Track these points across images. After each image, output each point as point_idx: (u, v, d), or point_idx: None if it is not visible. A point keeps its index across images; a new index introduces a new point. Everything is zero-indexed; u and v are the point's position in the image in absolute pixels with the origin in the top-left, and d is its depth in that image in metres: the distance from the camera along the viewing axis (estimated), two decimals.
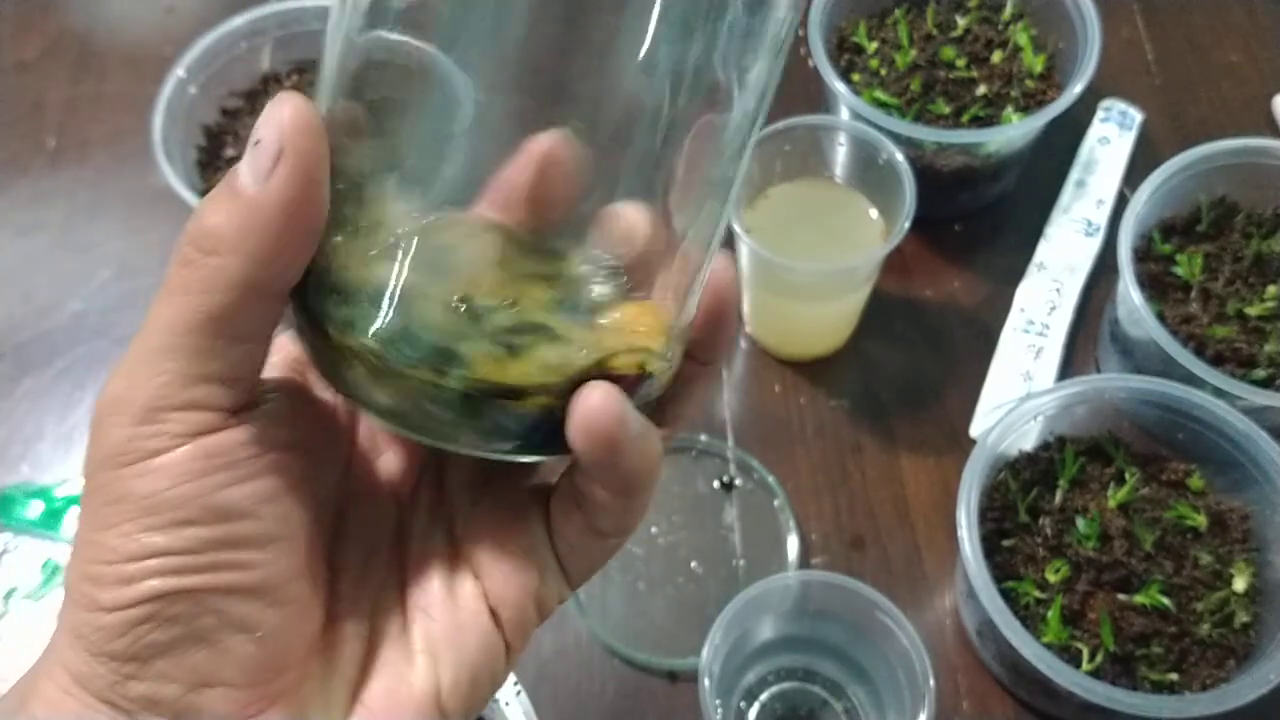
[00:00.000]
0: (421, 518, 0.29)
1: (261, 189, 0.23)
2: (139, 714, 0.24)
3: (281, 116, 0.24)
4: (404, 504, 0.29)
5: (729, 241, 0.57)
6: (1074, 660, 0.52)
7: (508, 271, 0.24)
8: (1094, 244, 0.69)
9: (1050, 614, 0.53)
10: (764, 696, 0.56)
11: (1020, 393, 0.64)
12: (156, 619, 0.23)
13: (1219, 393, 0.55)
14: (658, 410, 0.27)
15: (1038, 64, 0.69)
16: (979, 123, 0.67)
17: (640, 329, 0.25)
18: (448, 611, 0.26)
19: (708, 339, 0.27)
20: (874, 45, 0.71)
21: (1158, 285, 0.62)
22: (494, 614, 0.26)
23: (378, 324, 0.24)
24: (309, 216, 0.23)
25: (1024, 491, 0.56)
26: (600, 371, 0.24)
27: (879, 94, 0.68)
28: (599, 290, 0.24)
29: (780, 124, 0.62)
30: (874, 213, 0.63)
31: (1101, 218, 0.70)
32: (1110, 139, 0.73)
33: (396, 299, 0.23)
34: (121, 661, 0.23)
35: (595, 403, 0.23)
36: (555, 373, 0.24)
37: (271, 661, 0.25)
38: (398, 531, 0.29)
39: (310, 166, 0.23)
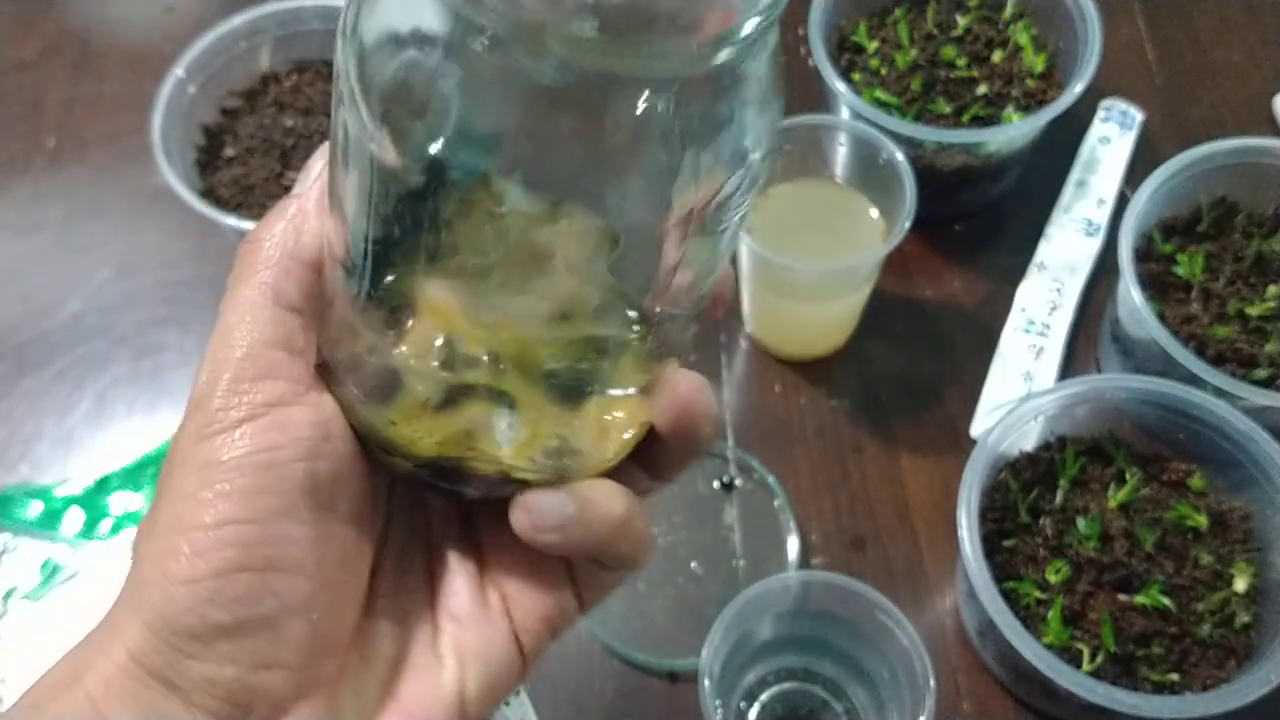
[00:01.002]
0: (452, 536, 0.30)
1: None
2: (194, 694, 0.24)
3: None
4: (434, 521, 0.30)
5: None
6: (1074, 661, 0.51)
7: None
8: (1095, 244, 0.69)
9: (1051, 614, 0.52)
10: (764, 697, 0.56)
11: (1021, 393, 0.64)
12: (223, 597, 0.24)
13: (1220, 393, 0.55)
14: (641, 465, 0.29)
15: (1038, 63, 0.69)
16: (979, 122, 0.67)
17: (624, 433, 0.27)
18: (478, 623, 0.28)
19: (671, 457, 0.29)
20: (874, 45, 0.70)
21: (1158, 285, 0.62)
22: (514, 631, 0.28)
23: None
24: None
25: (1024, 492, 0.56)
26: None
27: (879, 93, 0.68)
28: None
29: (780, 124, 0.61)
30: (874, 212, 0.63)
31: (1102, 217, 0.70)
32: (1111, 138, 0.73)
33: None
34: (186, 639, 0.24)
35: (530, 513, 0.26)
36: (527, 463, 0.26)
37: (320, 647, 0.26)
38: (428, 546, 0.30)
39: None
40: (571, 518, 0.26)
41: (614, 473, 0.28)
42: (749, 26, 0.20)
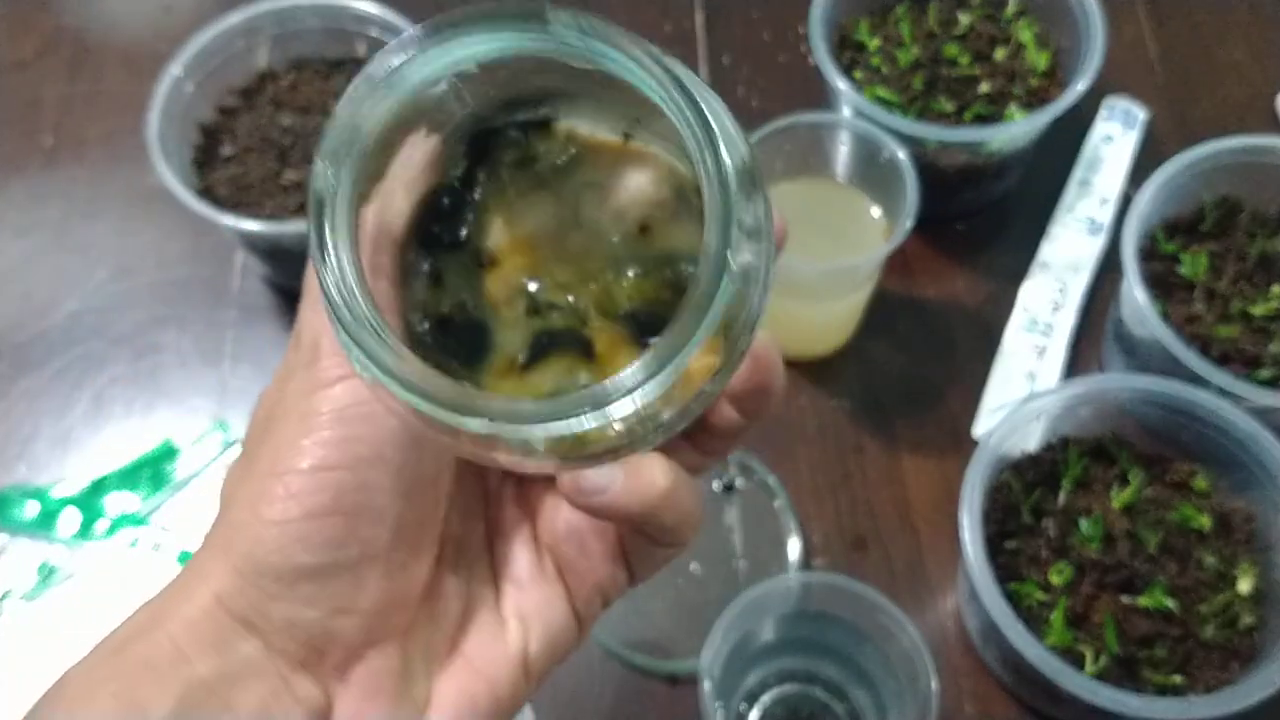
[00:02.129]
0: (509, 500, 0.31)
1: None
2: (275, 636, 0.26)
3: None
4: (492, 492, 0.31)
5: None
6: (1077, 663, 0.51)
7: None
8: (1098, 243, 0.69)
9: (1054, 616, 0.52)
10: (765, 699, 0.55)
11: (1023, 393, 0.64)
12: (312, 540, 0.25)
13: (1224, 393, 0.55)
14: (693, 445, 0.29)
15: (1041, 61, 0.68)
16: (982, 120, 0.67)
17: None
18: (537, 587, 0.30)
19: (751, 401, 0.29)
20: (876, 42, 0.70)
21: (1162, 284, 0.62)
22: (570, 597, 0.30)
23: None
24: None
25: (1027, 492, 0.56)
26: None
27: (881, 91, 0.67)
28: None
29: (781, 122, 0.61)
30: (876, 211, 0.63)
31: (1105, 216, 0.70)
32: (1114, 137, 0.73)
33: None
34: (271, 580, 0.25)
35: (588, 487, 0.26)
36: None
37: (395, 597, 0.27)
38: (486, 509, 0.31)
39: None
40: (617, 483, 0.26)
41: (664, 448, 0.28)
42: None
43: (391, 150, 0.24)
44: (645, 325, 0.26)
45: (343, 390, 0.26)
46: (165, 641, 0.25)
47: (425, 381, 0.21)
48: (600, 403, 0.20)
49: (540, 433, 0.21)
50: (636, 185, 0.25)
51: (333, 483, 0.26)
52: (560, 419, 0.20)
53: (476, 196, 0.26)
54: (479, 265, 0.26)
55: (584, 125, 0.25)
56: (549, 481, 0.30)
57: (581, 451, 0.24)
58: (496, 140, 0.25)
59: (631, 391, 0.20)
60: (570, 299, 0.26)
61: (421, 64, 0.22)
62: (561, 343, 0.26)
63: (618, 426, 0.22)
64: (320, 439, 0.26)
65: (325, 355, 0.27)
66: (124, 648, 0.26)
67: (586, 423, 0.20)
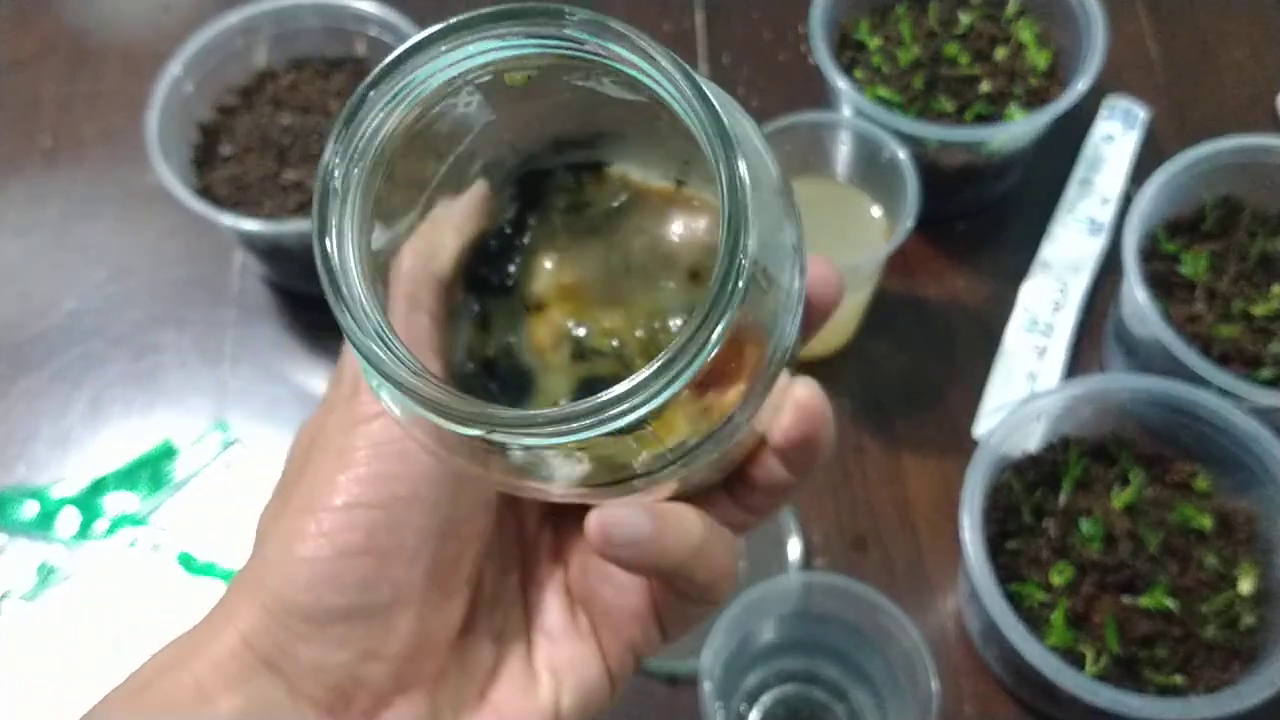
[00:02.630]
0: (544, 559, 0.30)
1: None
2: (301, 680, 0.25)
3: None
4: (528, 543, 0.31)
5: None
6: (1078, 663, 0.51)
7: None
8: (1098, 243, 0.69)
9: (1054, 616, 0.52)
10: (765, 700, 0.55)
11: (1024, 393, 0.64)
12: (343, 579, 0.25)
13: (1224, 393, 0.55)
14: (740, 494, 0.28)
15: (1042, 61, 0.68)
16: (982, 120, 0.66)
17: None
18: (570, 641, 0.29)
19: (797, 454, 0.27)
20: (876, 42, 0.70)
21: (1163, 284, 0.62)
22: (602, 653, 0.29)
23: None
24: None
25: (1028, 493, 0.56)
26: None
27: (881, 91, 0.67)
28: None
29: (781, 121, 0.61)
30: (877, 211, 0.63)
31: (1106, 216, 0.70)
32: (1115, 137, 0.73)
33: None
34: (300, 619, 0.25)
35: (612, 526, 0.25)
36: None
37: (424, 644, 0.27)
38: (523, 559, 0.31)
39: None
40: (646, 533, 0.25)
41: (704, 504, 0.27)
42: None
43: (410, 160, 0.24)
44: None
45: (380, 427, 0.26)
46: (189, 681, 0.25)
47: (424, 387, 0.21)
48: (606, 410, 0.19)
49: (549, 441, 0.20)
50: (687, 232, 0.25)
51: (366, 521, 0.25)
52: (568, 424, 0.19)
53: (526, 240, 0.25)
54: (526, 309, 0.25)
55: (635, 169, 0.25)
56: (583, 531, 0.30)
57: (607, 478, 0.23)
58: (547, 183, 0.25)
59: (637, 397, 0.19)
60: (616, 344, 0.25)
61: (433, 65, 0.22)
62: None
63: (633, 445, 0.21)
64: (355, 475, 0.25)
65: (364, 390, 0.26)
66: (148, 686, 0.26)
67: (594, 431, 0.19)
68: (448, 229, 0.27)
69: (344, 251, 0.22)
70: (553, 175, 0.25)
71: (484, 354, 0.26)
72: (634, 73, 0.21)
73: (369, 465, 0.26)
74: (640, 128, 0.24)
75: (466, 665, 0.28)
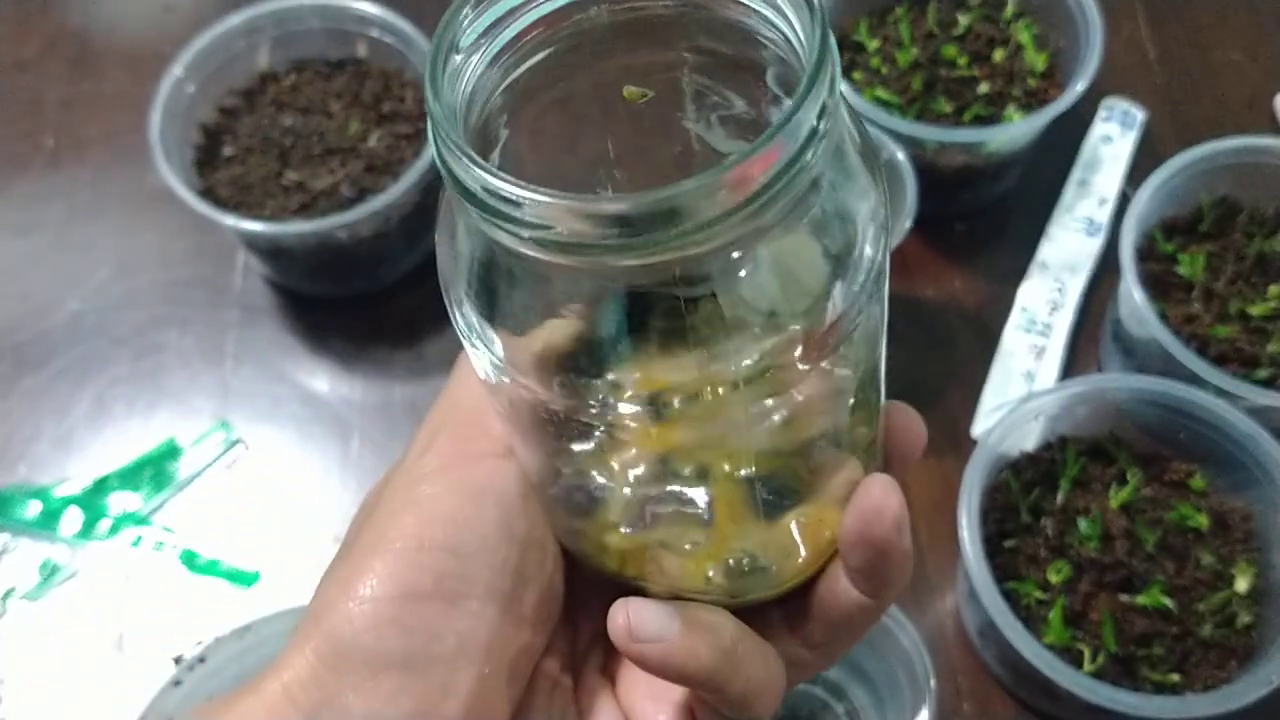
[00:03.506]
0: (597, 658, 0.29)
1: None
2: None
3: None
4: (580, 653, 0.29)
5: None
6: (1075, 661, 0.51)
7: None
8: (1096, 243, 0.69)
9: (1052, 615, 0.52)
10: None
11: (1022, 392, 0.64)
12: (407, 622, 0.23)
13: (1221, 393, 0.55)
14: (801, 625, 0.27)
15: (1039, 62, 0.69)
16: (980, 121, 0.67)
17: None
18: None
19: (868, 568, 0.25)
20: (875, 43, 0.70)
21: (1160, 285, 0.62)
22: None
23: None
24: None
25: (1025, 492, 0.56)
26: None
27: (880, 92, 0.67)
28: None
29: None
30: None
31: (1104, 217, 0.70)
32: (1112, 138, 0.73)
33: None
34: (357, 663, 0.23)
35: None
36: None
37: (481, 709, 0.24)
38: (576, 672, 0.29)
39: None
40: (672, 633, 0.23)
41: (755, 623, 0.26)
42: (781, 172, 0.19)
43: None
44: (770, 491, 0.25)
45: (453, 473, 0.25)
46: None
47: (503, 184, 0.19)
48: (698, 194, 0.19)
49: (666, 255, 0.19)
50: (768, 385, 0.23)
51: (435, 563, 0.24)
52: (656, 198, 0.19)
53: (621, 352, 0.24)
54: (604, 440, 0.24)
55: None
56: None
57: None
58: (654, 303, 0.23)
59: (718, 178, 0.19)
60: (690, 470, 0.24)
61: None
62: (670, 518, 0.25)
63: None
64: (424, 517, 0.24)
65: (442, 442, 0.25)
66: None
67: (681, 200, 0.19)
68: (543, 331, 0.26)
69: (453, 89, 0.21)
70: (662, 297, 0.22)
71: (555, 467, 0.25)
72: None
73: (439, 505, 0.24)
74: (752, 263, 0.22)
75: None
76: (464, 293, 0.22)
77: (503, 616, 0.25)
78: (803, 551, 0.26)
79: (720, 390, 0.22)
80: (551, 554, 0.27)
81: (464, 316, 0.22)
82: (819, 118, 0.20)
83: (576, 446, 0.24)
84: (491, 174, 0.19)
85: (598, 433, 0.23)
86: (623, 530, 0.26)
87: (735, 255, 0.20)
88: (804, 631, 0.26)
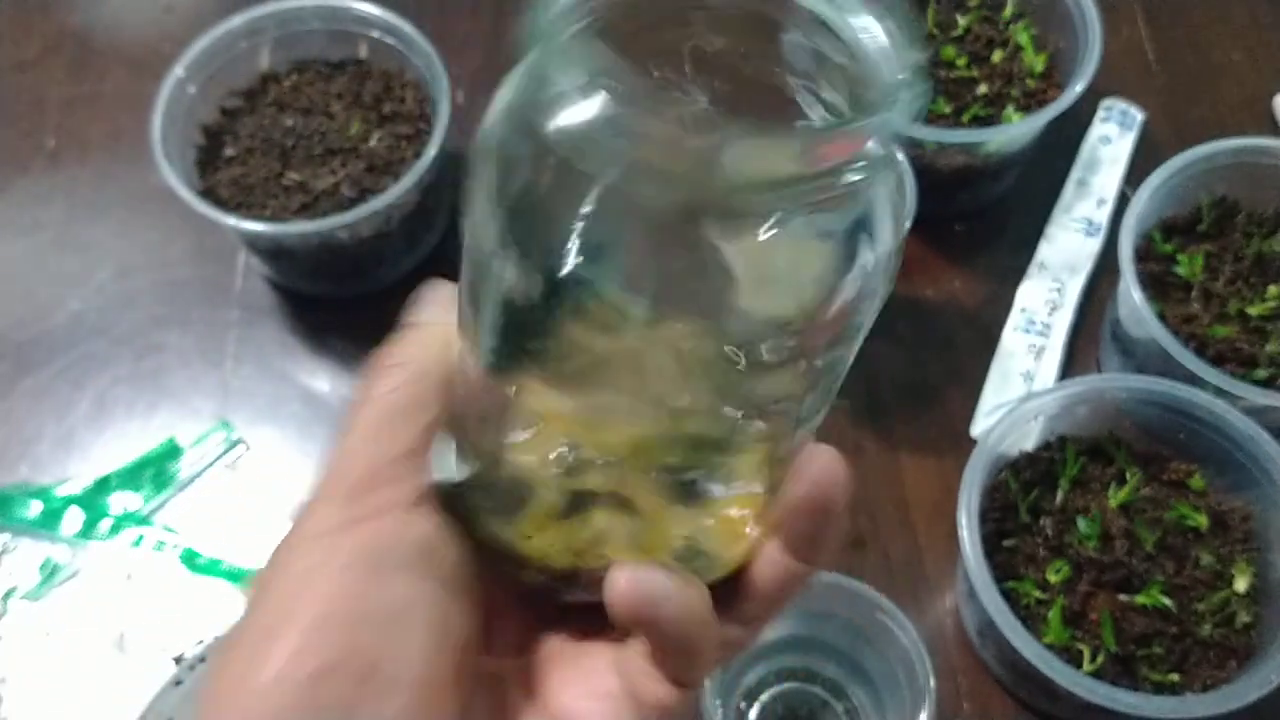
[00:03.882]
0: (518, 692, 0.28)
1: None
2: None
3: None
4: (510, 683, 0.28)
5: None
6: (1075, 661, 0.51)
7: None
8: (1095, 244, 0.69)
9: (1051, 614, 0.52)
10: (764, 697, 0.56)
11: (1021, 393, 0.64)
12: (318, 701, 0.22)
13: (1220, 393, 0.55)
14: (734, 605, 0.27)
15: (1038, 63, 0.69)
16: (979, 122, 0.67)
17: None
18: None
19: (808, 534, 0.25)
20: None
21: (1159, 285, 0.62)
22: None
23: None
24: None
25: (1025, 491, 0.56)
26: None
27: None
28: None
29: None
30: None
31: (1102, 217, 0.70)
32: (1111, 138, 0.73)
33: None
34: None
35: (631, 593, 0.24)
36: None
37: None
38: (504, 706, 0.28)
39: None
40: (671, 591, 0.24)
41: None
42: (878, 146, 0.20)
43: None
44: (686, 487, 0.25)
45: (372, 530, 0.23)
46: None
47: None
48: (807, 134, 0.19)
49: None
50: (669, 373, 0.23)
51: (346, 641, 0.22)
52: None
53: (518, 349, 0.24)
54: (517, 424, 0.25)
55: (637, 300, 0.23)
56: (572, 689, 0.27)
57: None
58: (551, 300, 0.23)
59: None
60: (603, 461, 0.24)
61: None
62: (601, 502, 0.25)
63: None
64: (334, 585, 0.22)
65: (338, 501, 0.24)
66: None
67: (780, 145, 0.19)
68: (438, 330, 0.26)
69: None
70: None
71: (478, 465, 0.26)
72: None
73: (353, 572, 0.23)
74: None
75: None
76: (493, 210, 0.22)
77: (428, 680, 0.24)
78: (742, 534, 0.27)
79: (682, 356, 0.22)
80: (471, 607, 0.26)
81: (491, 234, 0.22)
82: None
83: (514, 417, 0.24)
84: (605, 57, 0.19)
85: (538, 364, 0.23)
86: (556, 530, 0.26)
87: (768, 220, 0.20)
88: (738, 610, 0.26)
